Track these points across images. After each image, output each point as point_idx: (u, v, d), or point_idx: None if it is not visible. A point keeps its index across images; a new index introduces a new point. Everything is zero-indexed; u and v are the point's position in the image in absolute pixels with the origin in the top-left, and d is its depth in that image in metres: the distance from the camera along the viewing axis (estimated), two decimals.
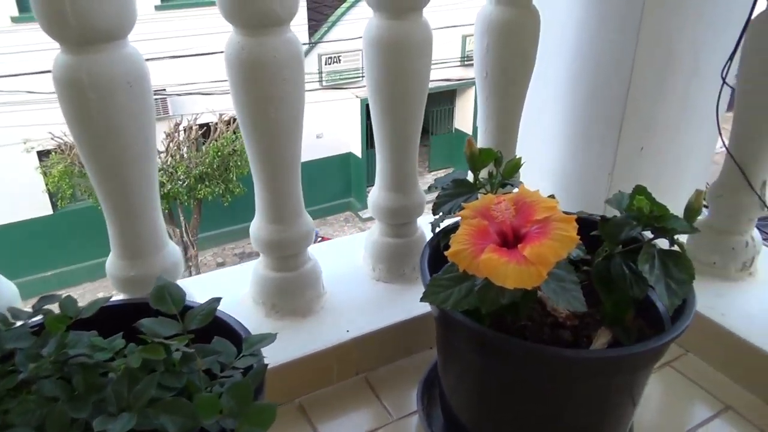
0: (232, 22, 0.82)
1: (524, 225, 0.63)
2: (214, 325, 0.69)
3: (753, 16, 1.05)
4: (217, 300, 0.70)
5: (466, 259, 0.62)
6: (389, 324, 1.05)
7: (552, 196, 0.76)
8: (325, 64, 8.92)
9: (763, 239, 1.24)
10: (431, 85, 1.03)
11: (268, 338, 0.69)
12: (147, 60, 0.80)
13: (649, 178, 1.29)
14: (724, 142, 1.16)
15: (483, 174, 0.85)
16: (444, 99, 10.27)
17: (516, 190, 0.70)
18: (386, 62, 0.96)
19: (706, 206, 1.21)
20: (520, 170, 1.18)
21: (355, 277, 1.18)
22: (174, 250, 0.93)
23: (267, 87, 0.84)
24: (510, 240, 0.64)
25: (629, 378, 0.75)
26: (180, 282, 0.93)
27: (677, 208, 1.34)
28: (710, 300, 1.11)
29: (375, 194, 1.12)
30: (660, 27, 1.09)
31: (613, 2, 1.12)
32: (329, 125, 9.07)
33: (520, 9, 1.05)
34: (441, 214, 0.79)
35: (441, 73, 8.95)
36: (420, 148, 1.09)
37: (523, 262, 0.59)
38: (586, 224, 0.82)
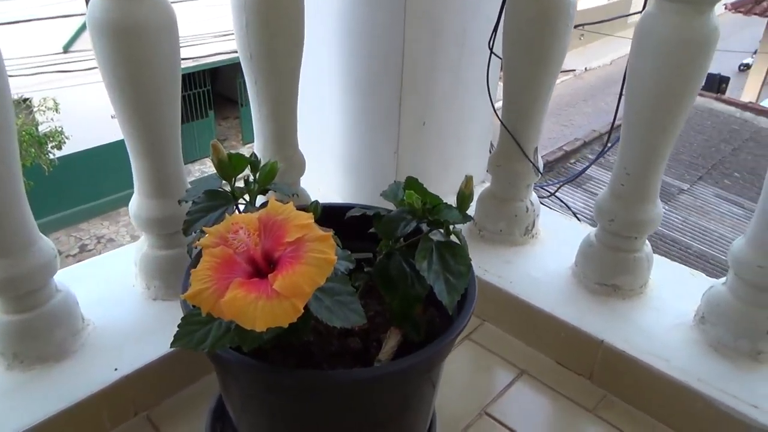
0: None
1: (276, 248, 0.53)
2: None
3: None
4: None
5: (207, 302, 0.50)
6: (167, 351, 0.91)
7: (315, 205, 0.68)
8: None
9: (540, 198, 1.29)
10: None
11: None
12: None
13: (434, 152, 1.28)
14: (496, 113, 1.16)
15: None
16: None
17: (283, 199, 0.60)
18: (119, 50, 0.80)
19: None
20: (307, 165, 1.11)
21: (127, 299, 1.01)
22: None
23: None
24: (263, 267, 0.54)
25: (419, 381, 0.70)
26: None
27: (462, 178, 1.35)
28: (500, 268, 1.13)
29: (135, 202, 0.96)
30: (425, 1, 1.05)
31: None
32: None
33: None
34: (193, 235, 0.66)
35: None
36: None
37: (273, 297, 0.49)
38: (365, 220, 0.76)
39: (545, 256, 1.16)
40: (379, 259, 0.75)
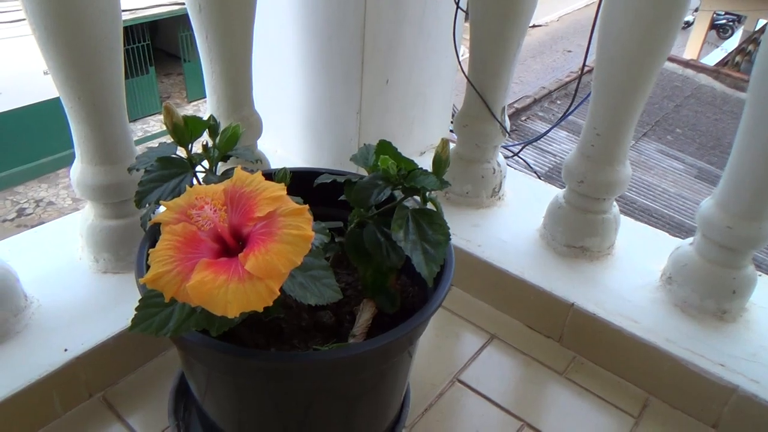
0: None
1: (245, 224, 0.48)
2: None
3: None
4: None
5: (170, 286, 0.45)
6: (123, 327, 0.86)
7: (284, 173, 0.62)
8: None
9: (506, 158, 1.26)
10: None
11: None
12: None
13: (398, 111, 1.23)
14: (463, 70, 1.11)
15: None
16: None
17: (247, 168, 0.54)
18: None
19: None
20: (264, 126, 1.04)
21: (73, 274, 0.94)
22: None
23: None
24: (231, 245, 0.49)
25: (397, 356, 0.67)
26: None
27: (428, 139, 1.32)
28: (467, 232, 1.10)
29: (77, 169, 0.88)
30: None
31: None
32: None
33: None
34: (147, 207, 0.60)
35: None
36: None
37: (246, 279, 0.44)
38: (334, 186, 0.71)
39: (513, 219, 1.14)
40: (350, 228, 0.71)
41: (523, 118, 6.13)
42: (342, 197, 0.70)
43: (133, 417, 0.83)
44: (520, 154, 1.46)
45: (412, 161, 0.67)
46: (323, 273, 0.60)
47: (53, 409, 0.81)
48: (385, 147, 0.68)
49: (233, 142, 0.62)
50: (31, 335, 0.83)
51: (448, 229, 0.66)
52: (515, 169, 1.34)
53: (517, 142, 1.51)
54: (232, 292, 0.44)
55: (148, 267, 0.63)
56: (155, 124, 8.06)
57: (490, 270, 1.03)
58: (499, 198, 1.19)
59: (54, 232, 1.02)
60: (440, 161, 0.69)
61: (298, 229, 0.46)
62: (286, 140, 1.29)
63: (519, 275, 1.00)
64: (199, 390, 0.72)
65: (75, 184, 0.88)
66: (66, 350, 0.81)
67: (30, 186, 7.08)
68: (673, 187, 5.85)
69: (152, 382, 0.88)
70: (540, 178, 1.45)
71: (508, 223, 1.13)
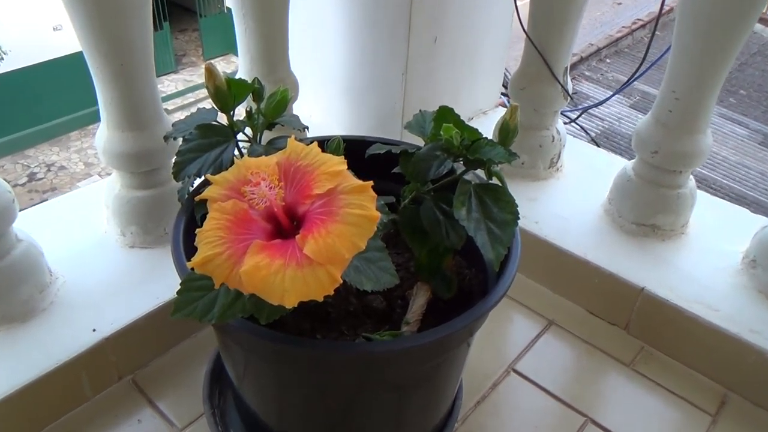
0: None
1: (301, 202, 0.46)
2: None
3: None
4: None
5: (221, 270, 0.44)
6: (153, 306, 0.86)
7: (337, 142, 0.60)
8: None
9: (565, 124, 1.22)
10: None
11: None
12: None
13: (446, 73, 1.20)
14: (522, 25, 1.07)
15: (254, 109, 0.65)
16: None
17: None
18: None
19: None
20: (299, 89, 1.01)
21: (99, 248, 0.94)
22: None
23: None
24: (286, 226, 0.47)
25: (455, 348, 0.66)
26: None
27: (477, 103, 1.28)
28: (523, 207, 1.03)
29: (103, 135, 0.87)
30: None
31: None
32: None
33: None
34: (185, 180, 0.59)
35: None
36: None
37: (305, 264, 0.43)
38: (386, 158, 0.68)
39: (573, 193, 1.11)
40: (404, 204, 0.69)
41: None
42: (395, 170, 0.68)
43: (164, 401, 0.84)
44: (577, 121, 1.42)
45: (476, 130, 0.65)
46: (379, 255, 0.58)
47: (83, 391, 0.82)
48: (446, 113, 0.66)
49: (281, 107, 0.60)
50: (57, 314, 0.83)
51: (516, 206, 0.64)
52: (574, 137, 1.30)
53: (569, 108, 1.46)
54: (289, 279, 0.42)
55: (187, 246, 0.63)
56: (170, 84, 8.08)
57: (549, 249, 1.00)
58: (558, 169, 1.15)
59: (77, 202, 1.02)
60: (508, 130, 0.66)
61: (362, 208, 0.44)
62: (322, 104, 1.27)
63: (581, 255, 0.97)
64: (237, 375, 0.71)
65: (101, 153, 0.87)
66: (94, 330, 0.81)
67: (41, 149, 7.19)
68: (734, 155, 5.69)
69: (184, 365, 0.88)
70: (599, 147, 1.41)
71: (569, 197, 1.10)
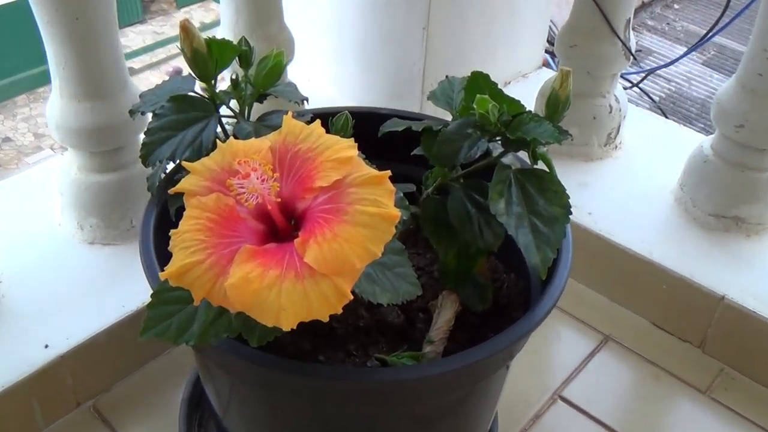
0: None
1: (301, 196, 0.45)
2: None
3: None
4: None
5: (202, 283, 0.43)
6: (118, 317, 0.87)
7: (345, 118, 0.59)
8: None
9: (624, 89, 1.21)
10: None
11: None
12: None
13: (477, 28, 1.20)
14: None
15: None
16: None
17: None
18: None
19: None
20: (295, 47, 1.01)
21: (52, 244, 0.95)
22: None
23: None
24: (282, 227, 0.46)
25: (491, 374, 0.66)
26: None
27: (516, 64, 1.28)
28: (573, 194, 1.04)
29: (55, 105, 0.87)
30: None
31: None
32: None
33: None
34: (157, 165, 0.59)
35: None
36: None
37: (306, 275, 0.42)
38: (403, 136, 0.68)
39: (635, 176, 1.11)
40: (427, 194, 0.69)
41: None
42: (416, 151, 0.68)
43: None
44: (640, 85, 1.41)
45: (518, 102, 0.64)
46: (397, 259, 0.59)
47: (33, 421, 0.83)
48: (479, 81, 0.65)
49: (275, 75, 0.59)
50: (1, 326, 0.84)
51: (568, 198, 0.64)
52: (636, 105, 1.29)
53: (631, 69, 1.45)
54: (287, 294, 0.42)
55: (160, 246, 0.63)
56: (135, 37, 8.09)
57: (605, 247, 1.00)
58: (616, 147, 1.15)
59: (23, 188, 1.03)
60: (558, 101, 0.66)
61: (377, 205, 0.43)
62: (321, 66, 1.27)
63: (645, 255, 0.97)
64: (221, 404, 0.72)
65: (54, 127, 0.87)
66: (47, 346, 0.82)
67: None
68: None
69: (156, 389, 0.89)
70: (665, 116, 1.40)
71: (630, 181, 1.10)
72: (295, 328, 0.42)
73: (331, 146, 0.46)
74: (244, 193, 0.43)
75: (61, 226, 0.96)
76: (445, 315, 0.69)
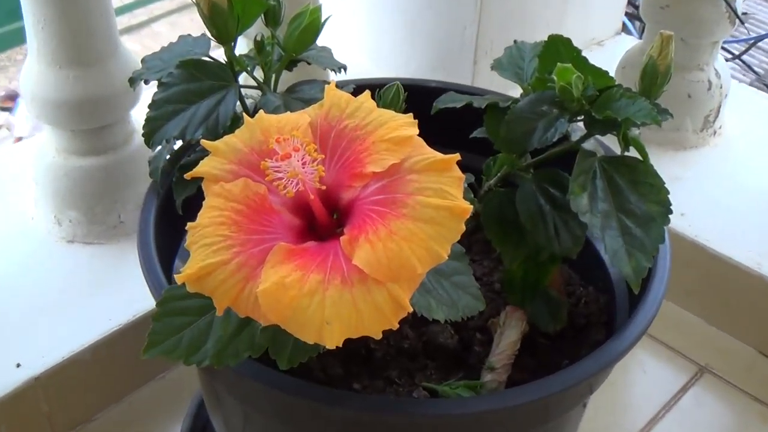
0: None
1: (347, 184, 0.46)
2: None
3: None
4: None
5: (227, 288, 0.43)
6: (104, 332, 0.88)
7: (395, 89, 0.59)
8: None
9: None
10: None
11: None
12: None
13: None
14: None
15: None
16: None
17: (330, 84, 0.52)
18: None
19: None
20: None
21: (23, 244, 0.98)
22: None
23: None
24: (324, 221, 0.47)
25: (566, 410, 0.66)
26: None
27: (590, 28, 1.28)
28: None
29: (31, 73, 0.90)
30: None
31: None
32: None
33: None
34: (163, 145, 0.60)
35: None
36: None
37: (355, 281, 0.42)
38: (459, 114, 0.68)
39: (739, 169, 1.12)
40: (489, 186, 0.70)
41: None
42: (475, 133, 0.69)
43: None
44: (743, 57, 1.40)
45: (606, 73, 0.64)
46: (456, 266, 0.60)
47: None
48: (559, 46, 0.67)
49: (311, 37, 0.59)
50: None
51: (667, 192, 0.64)
52: (738, 81, 1.29)
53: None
54: (331, 305, 0.42)
55: (161, 245, 0.63)
56: None
57: (701, 256, 1.01)
58: (716, 132, 1.16)
59: None
60: (656, 73, 0.68)
61: (444, 196, 0.43)
62: (349, 28, 1.28)
63: (753, 267, 0.98)
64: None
65: (29, 99, 0.89)
66: (19, 366, 0.84)
67: None
68: None
69: (149, 419, 0.91)
70: None
71: (731, 175, 1.11)
72: (340, 346, 0.43)
73: (385, 123, 0.46)
74: (282, 178, 0.43)
75: (34, 220, 0.98)
76: (509, 336, 0.70)
